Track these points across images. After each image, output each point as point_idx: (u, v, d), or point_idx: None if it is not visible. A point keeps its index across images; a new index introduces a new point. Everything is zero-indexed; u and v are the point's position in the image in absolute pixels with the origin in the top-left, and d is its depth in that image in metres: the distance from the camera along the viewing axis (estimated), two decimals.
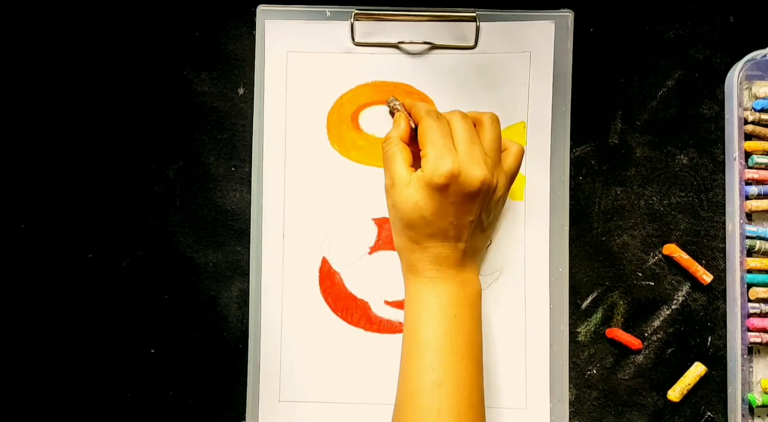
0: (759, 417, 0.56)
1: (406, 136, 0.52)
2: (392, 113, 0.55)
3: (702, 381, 0.56)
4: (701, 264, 0.57)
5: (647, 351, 0.57)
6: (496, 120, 0.51)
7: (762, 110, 0.56)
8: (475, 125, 0.51)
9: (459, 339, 0.49)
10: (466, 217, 0.50)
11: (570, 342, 0.56)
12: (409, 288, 0.52)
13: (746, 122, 0.56)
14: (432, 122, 0.50)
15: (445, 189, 0.48)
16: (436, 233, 0.50)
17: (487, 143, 0.50)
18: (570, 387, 0.56)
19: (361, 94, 0.57)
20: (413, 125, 0.53)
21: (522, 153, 0.53)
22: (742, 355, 0.55)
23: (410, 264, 0.52)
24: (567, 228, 0.56)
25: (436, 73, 0.57)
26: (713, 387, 0.56)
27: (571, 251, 0.57)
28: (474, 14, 0.56)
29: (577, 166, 0.57)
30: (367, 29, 0.57)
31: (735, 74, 0.56)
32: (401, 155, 0.51)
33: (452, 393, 0.48)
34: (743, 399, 0.55)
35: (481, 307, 0.52)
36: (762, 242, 0.56)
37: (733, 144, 0.56)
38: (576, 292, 0.57)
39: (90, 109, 0.58)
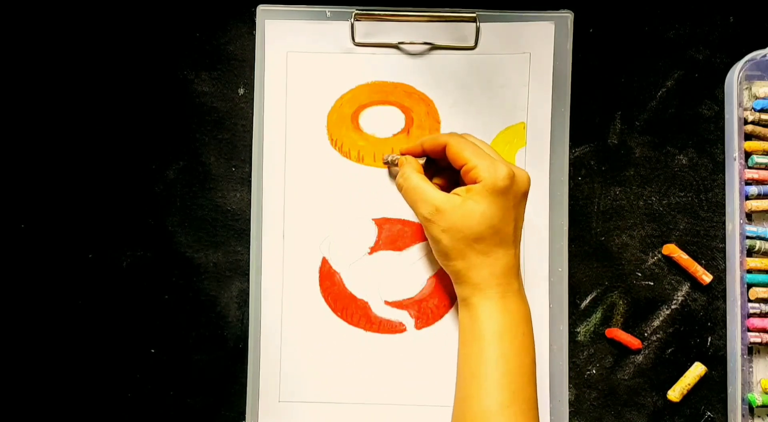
0: (759, 417, 0.56)
1: (419, 168, 0.54)
2: (391, 164, 0.57)
3: (702, 381, 0.56)
4: (701, 264, 0.57)
5: (647, 351, 0.57)
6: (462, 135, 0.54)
7: (762, 110, 0.56)
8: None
9: (527, 358, 0.49)
10: (521, 219, 0.51)
11: (569, 342, 0.56)
12: (475, 307, 0.50)
13: (746, 122, 0.56)
14: (460, 139, 0.51)
15: (507, 192, 0.49)
16: (503, 240, 0.50)
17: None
18: (570, 387, 0.56)
19: (361, 95, 0.57)
20: (421, 161, 0.55)
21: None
22: (742, 355, 0.55)
23: (476, 284, 0.50)
24: (566, 228, 0.56)
25: (436, 74, 0.57)
26: (713, 387, 0.56)
27: (570, 251, 0.57)
28: (474, 15, 0.56)
29: (576, 166, 0.57)
30: (367, 29, 0.57)
31: (735, 74, 0.56)
32: (427, 184, 0.52)
33: (519, 414, 0.48)
34: (743, 399, 0.55)
35: None
36: (762, 242, 0.56)
37: (733, 144, 0.56)
38: (575, 292, 0.57)
39: (90, 109, 0.58)
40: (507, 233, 0.50)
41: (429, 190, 0.51)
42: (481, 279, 0.50)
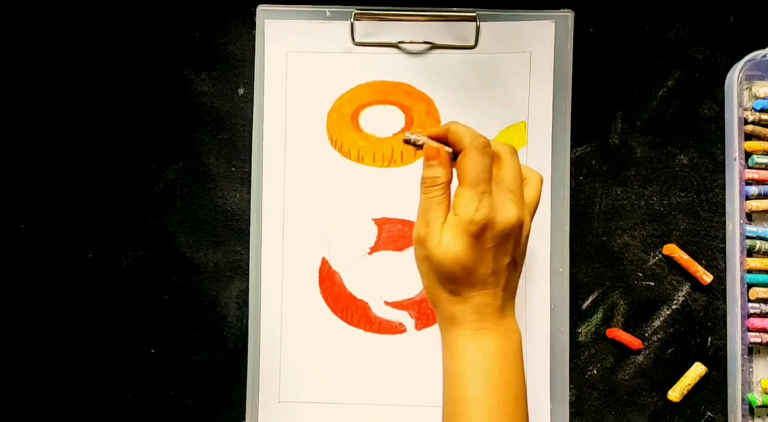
0: (759, 417, 0.56)
1: (451, 178, 0.48)
2: (414, 145, 0.49)
3: (702, 381, 0.56)
4: (701, 264, 0.57)
5: (647, 351, 0.57)
6: (515, 152, 0.48)
7: (762, 110, 0.56)
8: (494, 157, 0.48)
9: (507, 395, 0.46)
10: (504, 258, 0.47)
11: (570, 342, 0.56)
12: (449, 342, 0.48)
13: (746, 122, 0.56)
14: (479, 158, 0.46)
15: (481, 235, 0.45)
16: (478, 281, 0.46)
17: (510, 179, 0.47)
18: (570, 388, 0.56)
19: (361, 94, 0.57)
20: (449, 150, 0.48)
21: (542, 182, 0.50)
22: (742, 355, 0.55)
23: (450, 317, 0.47)
24: (567, 228, 0.56)
25: (436, 73, 0.57)
26: (713, 387, 0.56)
27: (571, 252, 0.57)
28: (474, 14, 0.56)
29: (577, 166, 0.57)
30: (367, 29, 0.57)
31: (735, 74, 0.56)
32: (444, 205, 0.47)
33: None
34: (743, 399, 0.55)
35: (522, 354, 0.48)
36: (762, 242, 0.56)
37: (733, 144, 0.56)
38: (576, 292, 0.57)
39: (90, 109, 0.58)
40: (482, 274, 0.46)
41: (438, 212, 0.47)
42: (454, 314, 0.47)
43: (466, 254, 0.46)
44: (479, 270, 0.46)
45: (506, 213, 0.46)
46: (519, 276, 0.50)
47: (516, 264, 0.48)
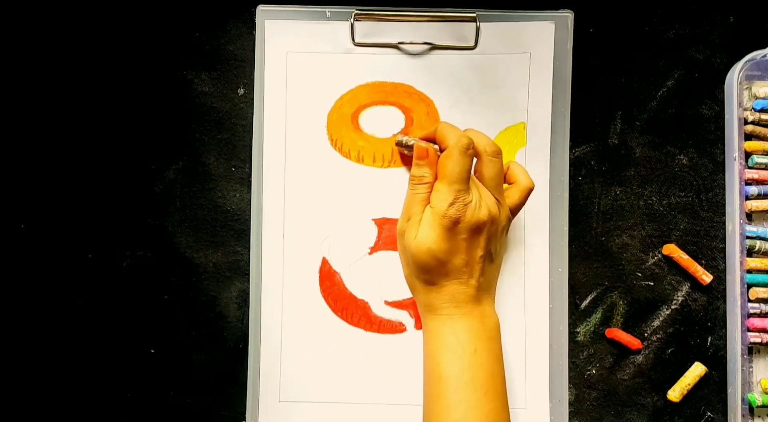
0: (759, 417, 0.56)
1: (435, 178, 0.51)
2: (405, 148, 0.54)
3: (702, 381, 0.56)
4: (701, 264, 0.57)
5: (647, 351, 0.57)
6: (499, 155, 0.51)
7: (762, 110, 0.56)
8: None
9: (480, 373, 0.49)
10: (476, 251, 0.50)
11: (569, 342, 0.56)
12: (427, 326, 0.51)
13: (746, 122, 0.56)
14: (459, 158, 0.49)
15: (454, 226, 0.49)
16: (451, 271, 0.50)
17: (488, 179, 0.51)
18: (570, 387, 0.56)
19: (361, 95, 0.57)
20: (436, 148, 0.52)
21: (530, 191, 0.53)
22: (742, 355, 0.55)
23: (427, 304, 0.51)
24: (567, 228, 0.56)
25: (436, 74, 0.57)
26: (713, 387, 0.56)
27: (570, 252, 0.57)
28: (474, 15, 0.56)
29: (576, 166, 0.57)
30: (367, 29, 0.57)
31: (735, 74, 0.56)
32: (426, 202, 0.51)
33: None
34: (743, 399, 0.55)
35: (500, 339, 0.51)
36: (762, 242, 0.56)
37: (733, 144, 0.56)
38: (575, 292, 0.57)
39: (90, 109, 0.58)
40: (455, 264, 0.49)
41: (418, 206, 0.51)
42: (429, 301, 0.51)
43: (439, 245, 0.49)
44: (452, 261, 0.49)
45: (478, 210, 0.49)
46: (497, 268, 0.54)
47: (491, 256, 0.51)
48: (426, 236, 0.49)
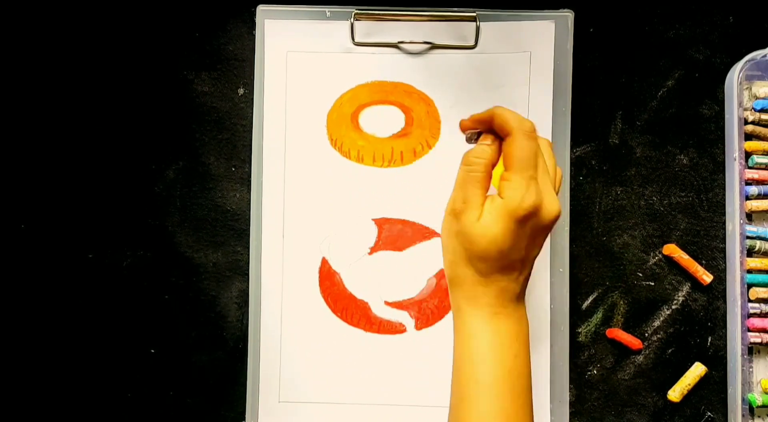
0: (759, 417, 0.56)
1: (494, 163, 0.48)
2: (472, 140, 0.50)
3: (702, 381, 0.56)
4: (701, 264, 0.57)
5: (647, 351, 0.57)
6: (551, 144, 0.50)
7: (762, 110, 0.56)
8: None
9: (519, 383, 0.46)
10: (535, 250, 0.47)
11: (570, 342, 0.56)
12: (465, 323, 0.47)
13: (746, 122, 0.56)
14: (526, 143, 0.46)
15: (526, 221, 0.45)
16: (508, 266, 0.46)
17: (551, 170, 0.48)
18: (570, 388, 0.56)
19: (361, 94, 0.57)
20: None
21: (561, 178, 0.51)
22: (742, 355, 0.55)
23: (471, 296, 0.47)
24: (567, 228, 0.56)
25: (436, 73, 0.57)
26: (713, 387, 0.56)
27: (571, 252, 0.57)
28: (474, 14, 0.56)
29: (577, 166, 0.57)
30: (367, 29, 0.57)
31: (735, 74, 0.56)
32: (484, 185, 0.47)
33: None
34: (743, 399, 0.55)
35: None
36: (762, 242, 0.56)
37: (733, 144, 0.56)
38: (576, 292, 0.57)
39: (90, 109, 0.58)
40: (514, 259, 0.46)
41: (477, 187, 0.46)
42: (473, 294, 0.47)
43: (505, 237, 0.45)
44: (512, 255, 0.46)
45: (551, 204, 0.46)
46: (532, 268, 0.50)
47: (537, 256, 0.48)
48: (492, 222, 0.45)
